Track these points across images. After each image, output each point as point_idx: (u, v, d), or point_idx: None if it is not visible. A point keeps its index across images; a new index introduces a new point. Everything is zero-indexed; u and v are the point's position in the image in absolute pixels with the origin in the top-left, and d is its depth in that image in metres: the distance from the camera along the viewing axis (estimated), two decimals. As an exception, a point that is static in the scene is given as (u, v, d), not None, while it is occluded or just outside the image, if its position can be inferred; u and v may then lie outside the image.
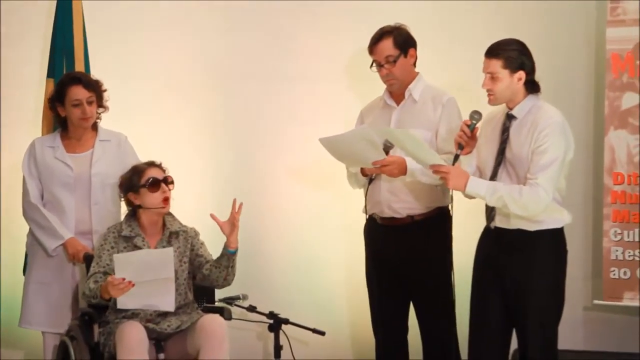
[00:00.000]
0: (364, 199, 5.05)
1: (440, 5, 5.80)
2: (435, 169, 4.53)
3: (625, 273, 5.49)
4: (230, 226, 4.79)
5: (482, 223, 4.67)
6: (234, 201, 4.79)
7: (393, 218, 5.02)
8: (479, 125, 4.60)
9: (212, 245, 4.97)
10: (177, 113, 5.86)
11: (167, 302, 4.75)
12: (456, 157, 4.59)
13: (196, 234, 4.99)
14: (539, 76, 4.56)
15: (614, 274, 5.51)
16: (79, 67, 5.50)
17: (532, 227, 4.50)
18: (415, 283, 4.99)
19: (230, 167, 5.92)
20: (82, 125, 5.15)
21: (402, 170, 4.85)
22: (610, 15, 5.51)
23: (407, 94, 5.04)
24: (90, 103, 5.13)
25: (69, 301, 5.14)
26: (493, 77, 4.49)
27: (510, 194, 4.44)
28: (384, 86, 5.08)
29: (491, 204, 4.54)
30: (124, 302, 4.70)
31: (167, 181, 4.93)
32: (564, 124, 4.49)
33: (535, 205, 4.43)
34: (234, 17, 5.92)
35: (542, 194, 4.40)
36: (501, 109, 4.61)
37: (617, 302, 5.53)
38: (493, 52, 4.51)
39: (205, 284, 4.96)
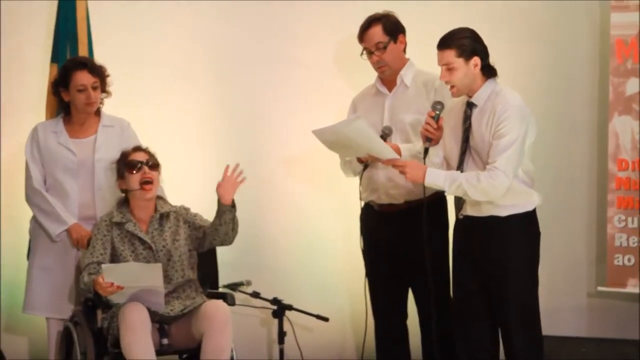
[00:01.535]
0: (359, 186, 5.05)
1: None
2: (392, 164, 4.54)
3: (629, 260, 5.48)
4: (229, 187, 4.80)
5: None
6: (226, 168, 4.79)
7: (391, 204, 5.03)
8: (442, 115, 4.58)
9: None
10: (177, 100, 5.83)
11: (156, 304, 4.75)
12: (426, 151, 4.60)
13: (186, 210, 4.99)
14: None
15: (618, 261, 5.50)
16: (83, 51, 5.49)
17: (504, 213, 4.48)
18: (413, 268, 4.99)
19: (231, 154, 5.87)
20: (87, 110, 5.15)
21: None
22: (614, 0, 5.50)
23: (398, 80, 5.04)
24: (95, 88, 5.13)
25: (72, 286, 5.13)
26: (449, 68, 4.46)
27: (468, 181, 4.42)
28: (376, 74, 5.08)
29: (451, 193, 4.53)
30: (116, 298, 4.74)
31: (149, 164, 4.91)
32: (522, 107, 4.44)
33: (494, 190, 4.40)
34: (231, 5, 5.90)
35: (500, 177, 4.37)
36: (461, 98, 4.57)
37: (621, 289, 5.52)
38: (445, 43, 4.48)
39: (215, 245, 4.96)
